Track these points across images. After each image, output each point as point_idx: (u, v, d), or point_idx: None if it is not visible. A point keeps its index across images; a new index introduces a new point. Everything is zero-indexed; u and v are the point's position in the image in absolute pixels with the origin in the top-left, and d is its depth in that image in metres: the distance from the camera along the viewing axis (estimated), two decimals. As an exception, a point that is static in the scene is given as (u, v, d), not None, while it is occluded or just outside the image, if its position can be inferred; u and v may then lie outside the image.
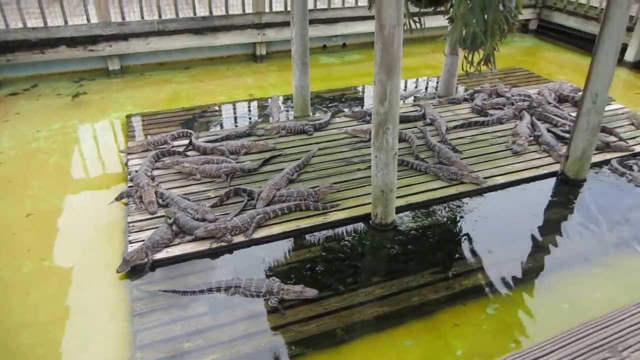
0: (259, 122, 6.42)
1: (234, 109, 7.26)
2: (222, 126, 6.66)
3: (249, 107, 7.34)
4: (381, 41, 3.66)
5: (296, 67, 6.23)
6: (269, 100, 7.28)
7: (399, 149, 5.74)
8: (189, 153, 5.69)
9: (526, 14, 10.90)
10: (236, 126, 6.64)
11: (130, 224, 4.51)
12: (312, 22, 8.94)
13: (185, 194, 4.93)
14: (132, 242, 4.28)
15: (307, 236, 4.53)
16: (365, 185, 5.05)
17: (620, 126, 6.40)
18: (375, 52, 3.77)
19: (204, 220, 4.46)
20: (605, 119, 6.44)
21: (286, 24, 6.28)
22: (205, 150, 5.64)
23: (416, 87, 8.28)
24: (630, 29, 8.95)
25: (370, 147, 4.35)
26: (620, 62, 8.98)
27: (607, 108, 6.74)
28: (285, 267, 4.19)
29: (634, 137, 6.12)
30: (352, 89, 7.90)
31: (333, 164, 5.54)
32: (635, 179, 5.30)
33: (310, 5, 9.00)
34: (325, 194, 4.87)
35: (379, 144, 4.14)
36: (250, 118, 6.95)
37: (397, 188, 4.91)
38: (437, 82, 7.83)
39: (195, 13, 8.40)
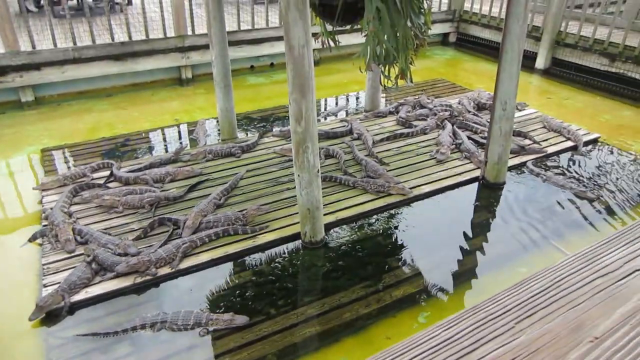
0: (184, 148, 6.28)
1: (160, 135, 7.07)
2: (147, 154, 6.45)
3: (176, 132, 7.17)
4: (292, 61, 3.68)
5: (219, 89, 6.16)
6: (196, 124, 7.15)
7: (328, 164, 5.85)
8: (110, 185, 5.46)
9: (445, 28, 11.42)
10: (165, 152, 6.45)
11: (45, 266, 4.24)
12: (238, 43, 8.96)
13: (106, 229, 4.70)
14: (47, 286, 4.01)
15: (236, 261, 4.44)
16: (295, 204, 5.02)
17: (534, 130, 6.76)
18: (288, 73, 3.78)
19: (126, 254, 4.27)
20: (520, 123, 6.81)
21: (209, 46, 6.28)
22: (128, 180, 5.43)
23: (346, 102, 8.42)
24: (538, 39, 9.56)
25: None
26: (532, 69, 9.58)
27: (521, 113, 7.18)
28: (214, 296, 4.06)
29: (546, 140, 6.48)
30: (282, 108, 7.91)
31: (262, 185, 5.48)
32: (549, 179, 5.60)
33: (234, 27, 9.01)
34: (253, 216, 4.80)
35: (300, 162, 4.13)
36: (180, 143, 6.79)
37: (326, 204, 4.93)
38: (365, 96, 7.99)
39: (113, 39, 8.16)
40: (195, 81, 9.03)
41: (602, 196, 5.40)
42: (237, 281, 4.21)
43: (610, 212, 5.15)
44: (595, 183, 5.68)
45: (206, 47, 8.70)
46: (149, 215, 4.91)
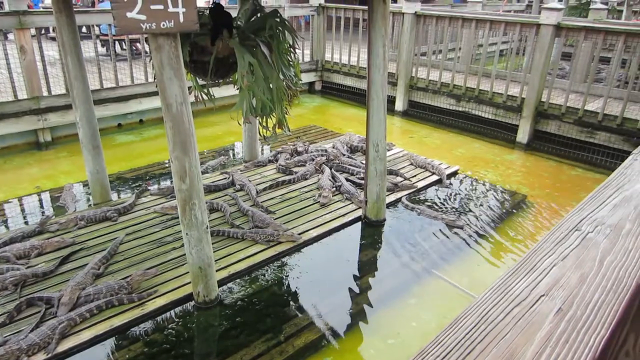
0: (50, 217, 5.70)
1: (19, 206, 6.35)
2: (3, 228, 5.73)
3: (38, 201, 6.49)
4: (170, 119, 3.60)
5: (87, 151, 5.76)
6: (62, 190, 6.56)
7: (214, 219, 5.71)
8: (-40, 269, 4.72)
9: (311, 77, 12.05)
10: (27, 224, 5.78)
11: None
12: (102, 101, 8.53)
13: (-41, 321, 4.03)
14: None
15: (124, 334, 4.07)
16: (184, 264, 4.79)
17: (403, 167, 7.33)
18: (167, 131, 3.68)
19: (-12, 347, 3.68)
20: (390, 162, 7.34)
21: (70, 106, 5.83)
22: (-17, 261, 4.75)
23: (224, 155, 8.37)
24: (395, 84, 10.52)
25: (180, 225, 4.16)
26: (393, 112, 10.46)
27: (390, 152, 7.73)
28: (102, 378, 3.66)
29: (415, 175, 7.06)
30: (157, 165, 7.62)
31: (145, 247, 5.16)
32: (423, 212, 6.07)
33: (97, 85, 8.57)
34: (139, 282, 4.48)
35: (188, 220, 3.99)
36: (42, 212, 6.15)
37: (217, 260, 4.79)
38: (242, 148, 8.03)
39: (-47, 104, 7.27)
40: (57, 144, 8.35)
41: (468, 222, 5.97)
42: (127, 356, 3.85)
43: (478, 235, 5.71)
44: (461, 211, 6.27)
45: (66, 107, 8.13)
46: (15, 297, 4.32)
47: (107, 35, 10.45)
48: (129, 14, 3.27)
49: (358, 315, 4.43)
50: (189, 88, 4.42)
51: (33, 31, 7.73)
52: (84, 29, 12.16)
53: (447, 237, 5.65)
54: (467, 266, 5.17)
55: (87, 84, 5.60)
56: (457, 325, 0.72)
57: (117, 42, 12.39)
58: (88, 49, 9.24)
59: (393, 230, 5.78)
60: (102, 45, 12.40)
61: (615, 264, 0.97)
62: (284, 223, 5.60)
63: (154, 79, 3.68)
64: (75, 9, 5.50)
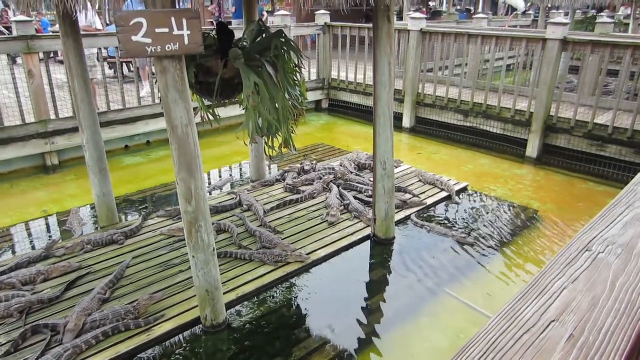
0: (57, 242, 5.73)
1: (25, 231, 6.39)
2: (10, 254, 5.76)
3: (45, 225, 6.54)
4: (176, 141, 3.63)
5: (94, 174, 5.81)
6: (69, 213, 6.60)
7: (221, 240, 5.71)
8: (-33, 295, 4.73)
9: (317, 95, 12.14)
10: (34, 249, 5.81)
11: None
12: (109, 124, 8.63)
13: (-35, 348, 4.03)
14: None
15: (131, 361, 4.04)
16: (191, 287, 4.77)
17: (412, 184, 7.31)
18: (172, 152, 3.71)
19: (-6, 375, 3.68)
20: (399, 179, 7.33)
21: (78, 129, 5.92)
22: (-10, 287, 4.76)
23: (230, 175, 8.41)
24: (402, 101, 10.55)
25: (187, 247, 4.16)
26: (401, 128, 10.48)
27: (398, 170, 7.72)
28: (108, 406, 3.63)
29: (424, 192, 7.04)
30: (163, 187, 7.66)
31: (152, 271, 5.15)
32: (433, 229, 6.04)
33: (104, 107, 8.69)
34: (146, 307, 4.46)
35: (194, 243, 3.99)
36: (50, 237, 6.19)
37: (224, 282, 4.77)
38: (250, 168, 8.06)
39: (-38, 129, 7.39)
40: (63, 167, 8.43)
41: (479, 239, 5.92)
42: (134, 384, 3.82)
43: (489, 252, 5.65)
44: (471, 228, 6.22)
45: (73, 130, 8.24)
46: (20, 325, 4.32)
47: (114, 57, 10.64)
48: (134, 38, 3.33)
49: (370, 337, 4.38)
50: (195, 109, 4.48)
51: (41, 55, 7.88)
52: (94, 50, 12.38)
53: (458, 254, 5.60)
54: (480, 284, 5.12)
55: (94, 107, 5.67)
56: (464, 354, 0.71)
57: (124, 64, 12.60)
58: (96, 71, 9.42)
59: (403, 249, 5.74)
60: (110, 68, 12.60)
61: (628, 285, 0.95)
62: (292, 243, 5.58)
63: (160, 101, 3.72)
64: (82, 33, 5.60)
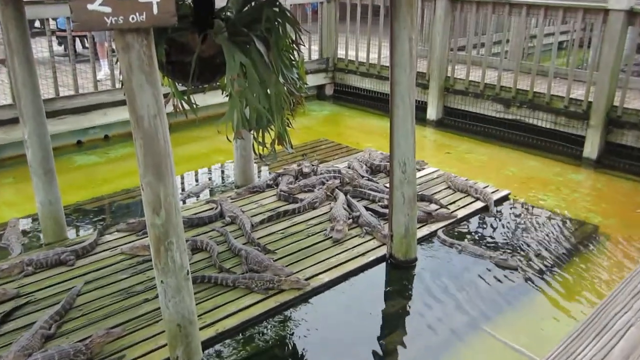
0: (-10, 262, 5.74)
1: (-49, 247, 6.41)
2: None
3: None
4: (141, 136, 3.63)
5: (37, 177, 5.82)
6: (5, 226, 6.61)
7: (198, 261, 5.70)
8: None
9: (320, 79, 12.16)
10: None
11: None
12: (57, 113, 8.67)
13: None
14: None
15: (82, 413, 4.04)
16: (158, 320, 4.76)
17: (439, 191, 7.31)
18: (137, 150, 3.71)
19: None
20: (421, 185, 7.32)
21: (17, 120, 5.93)
22: None
23: (209, 178, 8.41)
24: (426, 87, 10.56)
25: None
26: (425, 121, 10.48)
27: (421, 173, 7.72)
28: None
29: (454, 202, 7.03)
30: (125, 193, 7.68)
31: (109, 299, 5.14)
32: (465, 249, 6.02)
33: (51, 93, 8.71)
34: (101, 345, 4.45)
35: (163, 264, 3.99)
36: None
37: (201, 315, 4.77)
38: (233, 170, 8.07)
39: None
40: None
41: (524, 262, 5.90)
42: None
43: (536, 279, 5.63)
44: (514, 248, 6.21)
45: (12, 121, 8.24)
46: (-58, 367, 4.33)
47: (64, 30, 10.68)
48: (90, 6, 3.33)
49: (383, 385, 4.37)
50: (166, 95, 4.48)
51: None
52: (36, 23, 12.41)
53: (498, 281, 5.58)
54: (524, 319, 5.09)
55: (39, 93, 5.68)
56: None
57: (77, 39, 12.64)
58: (41, 47, 9.46)
59: (427, 273, 5.72)
60: (59, 44, 12.64)
61: None
62: (287, 265, 5.57)
63: (122, 85, 3.73)
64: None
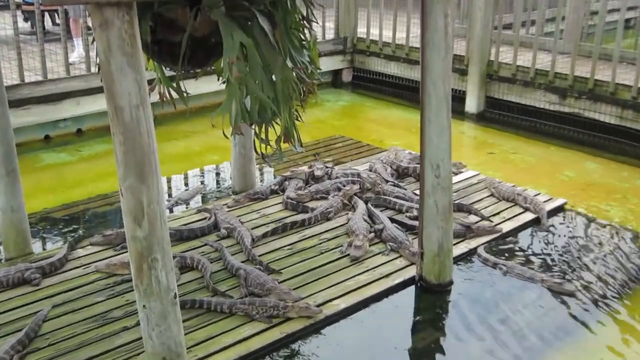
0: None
1: None
2: None
3: None
4: (121, 130, 3.62)
5: (-3, 179, 5.85)
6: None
7: (187, 282, 5.69)
8: None
9: (336, 63, 12.15)
10: None
11: None
12: (22, 103, 8.71)
13: None
14: None
15: None
16: (140, 352, 4.75)
17: (479, 200, 7.27)
18: (115, 147, 3.70)
19: None
20: (459, 193, 7.27)
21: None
22: None
23: (202, 182, 8.40)
24: (464, 72, 10.51)
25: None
26: (463, 114, 10.43)
27: (457, 179, 7.67)
28: None
29: (498, 213, 6.98)
30: (101, 199, 7.70)
31: (81, 326, 5.14)
32: (511, 270, 5.96)
33: (15, 79, 8.76)
34: (71, 382, 4.46)
35: (146, 285, 3.97)
36: None
37: (190, 347, 4.76)
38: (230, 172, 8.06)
39: None
40: (-47, 167, 8.52)
41: (582, 287, 5.83)
42: None
43: (598, 307, 5.56)
44: (571, 269, 6.14)
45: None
46: None
47: (32, 4, 10.74)
48: (60, -26, 3.33)
49: None
50: (151, 82, 4.48)
51: None
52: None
53: (552, 309, 5.52)
54: (585, 356, 5.04)
55: (0, 78, 5.70)
56: None
57: (46, 15, 12.71)
58: (4, 24, 9.52)
59: (465, 299, 5.67)
60: (25, 20, 12.72)
61: None
62: (295, 288, 5.54)
63: (98, 69, 3.73)
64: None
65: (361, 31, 12.09)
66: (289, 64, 4.85)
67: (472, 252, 6.30)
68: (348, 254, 6.08)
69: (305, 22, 5.17)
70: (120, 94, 3.59)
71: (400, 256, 6.10)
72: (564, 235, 6.76)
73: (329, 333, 5.22)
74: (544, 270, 6.06)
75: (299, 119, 5.33)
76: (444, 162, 5.39)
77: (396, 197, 7.11)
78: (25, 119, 8.82)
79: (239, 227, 6.46)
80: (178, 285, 4.32)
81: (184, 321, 4.34)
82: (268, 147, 5.13)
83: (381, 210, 6.86)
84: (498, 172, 8.19)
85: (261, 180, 8.18)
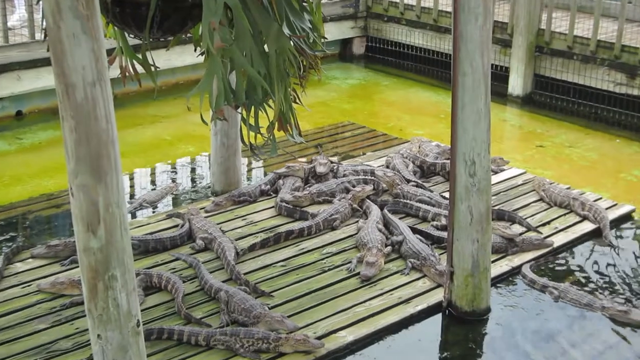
0: None
1: None
2: None
3: None
4: (72, 114, 3.61)
5: None
6: None
7: (154, 305, 5.70)
8: None
9: (345, 31, 12.14)
10: None
11: None
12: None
13: None
14: None
15: None
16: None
17: (526, 206, 7.27)
18: (65, 134, 3.70)
19: None
20: (499, 196, 7.27)
21: None
22: None
23: (173, 180, 8.40)
24: (507, 44, 10.49)
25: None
26: (504, 96, 10.42)
27: (498, 178, 7.67)
28: None
29: (549, 222, 6.98)
30: (45, 199, 7.71)
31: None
32: (564, 294, 5.95)
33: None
34: None
35: (102, 310, 3.98)
36: None
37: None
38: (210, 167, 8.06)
39: None
40: None
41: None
42: None
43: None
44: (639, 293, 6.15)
45: None
46: None
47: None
48: None
49: None
50: (110, 53, 4.48)
51: None
52: None
53: (616, 345, 5.52)
54: None
55: None
56: None
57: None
58: None
59: (504, 331, 5.68)
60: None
61: None
62: (290, 315, 5.54)
63: (45, 36, 3.73)
64: None
65: (378, -10, 12.12)
66: (286, 31, 4.85)
67: (515, 271, 6.30)
68: (358, 273, 6.09)
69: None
70: (72, 68, 3.59)
71: (424, 276, 6.11)
72: (631, 251, 6.76)
73: (335, 372, 5.25)
74: (606, 295, 6.06)
75: (298, 100, 5.32)
76: (480, 157, 5.39)
77: (419, 201, 7.11)
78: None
79: (219, 237, 6.46)
80: (142, 310, 4.32)
81: (148, 356, 4.36)
82: (258, 135, 5.13)
83: (400, 218, 6.86)
84: (549, 170, 8.19)
85: (248, 178, 8.18)
